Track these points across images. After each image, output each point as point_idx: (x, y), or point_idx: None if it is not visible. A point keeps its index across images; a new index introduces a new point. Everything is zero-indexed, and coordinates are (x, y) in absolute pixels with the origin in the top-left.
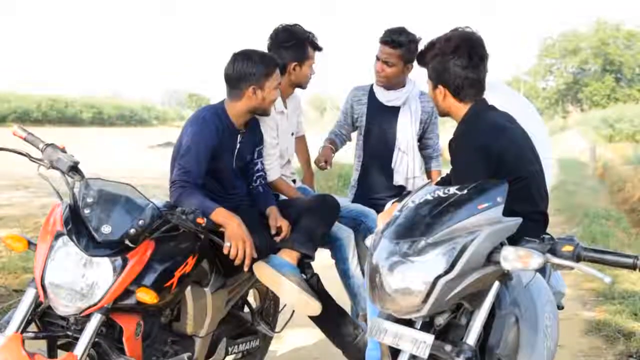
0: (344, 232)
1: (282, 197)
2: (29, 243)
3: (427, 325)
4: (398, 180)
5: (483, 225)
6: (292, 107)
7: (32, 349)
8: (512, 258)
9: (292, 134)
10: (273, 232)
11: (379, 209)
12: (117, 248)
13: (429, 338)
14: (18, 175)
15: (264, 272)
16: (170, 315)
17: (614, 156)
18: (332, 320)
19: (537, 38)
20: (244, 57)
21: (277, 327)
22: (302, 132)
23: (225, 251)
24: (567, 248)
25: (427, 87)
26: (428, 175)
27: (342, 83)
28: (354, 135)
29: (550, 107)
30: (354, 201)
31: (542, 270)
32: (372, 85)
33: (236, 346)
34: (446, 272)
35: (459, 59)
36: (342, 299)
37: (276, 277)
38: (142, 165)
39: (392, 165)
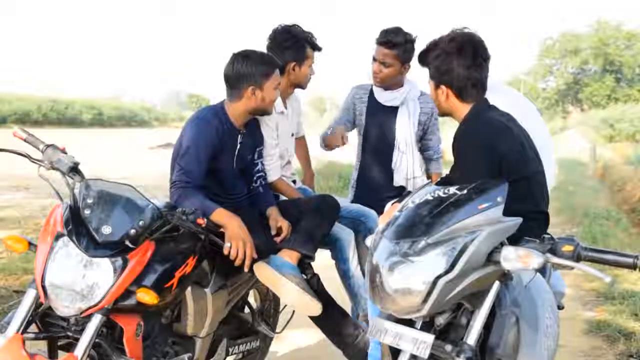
0: (344, 232)
1: (282, 197)
2: (30, 244)
3: (428, 325)
4: (398, 180)
5: (483, 225)
6: (292, 108)
7: (32, 350)
8: (513, 258)
9: (292, 134)
10: (273, 232)
11: (378, 209)
12: (117, 249)
13: (429, 338)
14: (18, 176)
15: (264, 272)
16: (170, 315)
17: (614, 156)
18: (333, 321)
19: (537, 38)
20: (243, 58)
21: (278, 328)
22: (302, 133)
23: (225, 252)
24: (568, 248)
25: (427, 88)
26: (428, 178)
27: (343, 83)
28: (354, 135)
29: (550, 107)
30: (353, 201)
31: (542, 270)
32: (372, 86)
33: (237, 347)
34: (446, 272)
35: (463, 59)
36: (342, 299)
37: (276, 278)
38: (142, 166)
39: (392, 165)
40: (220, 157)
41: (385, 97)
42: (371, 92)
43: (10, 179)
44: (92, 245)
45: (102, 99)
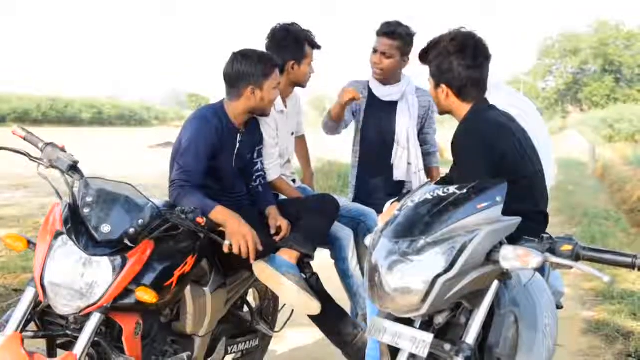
0: (343, 232)
1: (282, 196)
2: (29, 242)
3: (427, 325)
4: (398, 175)
5: (482, 225)
6: (292, 107)
7: (31, 348)
8: (512, 257)
9: (292, 133)
10: (273, 231)
11: (378, 207)
12: (116, 247)
13: (428, 337)
14: (17, 175)
15: (263, 271)
16: (169, 314)
17: (614, 156)
18: (332, 320)
19: (537, 38)
20: (242, 57)
21: (277, 327)
22: (302, 132)
23: (225, 250)
24: (566, 247)
25: (422, 83)
26: (427, 173)
27: (343, 83)
28: (349, 134)
29: (550, 107)
30: (353, 200)
31: (541, 269)
32: (368, 82)
33: (236, 345)
34: (445, 271)
35: (464, 59)
36: (341, 298)
37: (276, 277)
38: (141, 165)
39: (392, 160)
40: (220, 156)
41: (384, 92)
42: (368, 88)
43: (9, 178)
44: (92, 243)
45: (101, 98)
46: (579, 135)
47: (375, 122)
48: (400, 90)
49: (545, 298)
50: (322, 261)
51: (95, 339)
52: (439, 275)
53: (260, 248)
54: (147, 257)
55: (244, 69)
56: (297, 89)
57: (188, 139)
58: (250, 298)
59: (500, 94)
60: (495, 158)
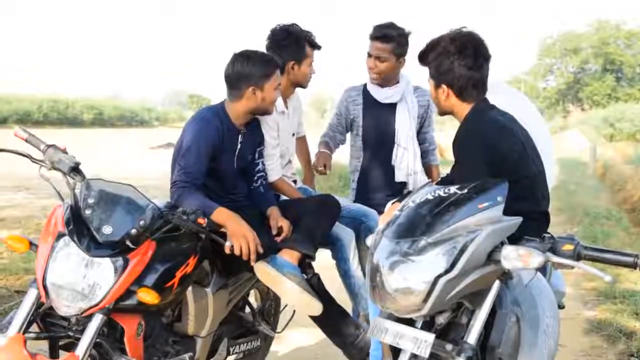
0: (345, 232)
1: (283, 197)
2: (30, 244)
3: (428, 325)
4: (399, 176)
5: (483, 225)
6: (293, 107)
7: (33, 350)
8: (513, 257)
9: (293, 134)
10: (274, 232)
11: (380, 208)
12: (118, 248)
13: (430, 337)
14: (19, 176)
15: (264, 272)
16: (171, 315)
17: (615, 155)
18: (333, 321)
19: (537, 38)
20: (243, 58)
21: (279, 327)
22: (303, 133)
23: (226, 251)
24: (568, 247)
25: (419, 83)
26: (427, 171)
27: (343, 83)
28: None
29: (550, 106)
30: (354, 201)
31: (542, 269)
32: (365, 85)
33: (237, 346)
34: (447, 272)
35: (465, 60)
36: (343, 299)
37: (277, 277)
38: (143, 166)
39: (393, 162)
40: (221, 157)
41: (383, 95)
42: (365, 92)
43: (11, 179)
44: (93, 245)
45: (102, 99)
46: (580, 135)
47: (375, 124)
48: (399, 92)
49: (547, 298)
50: (323, 261)
51: (97, 339)
52: (440, 276)
53: (261, 250)
54: (149, 258)
55: (245, 70)
56: (298, 90)
57: (189, 140)
58: (251, 299)
59: (500, 93)
60: (496, 158)
